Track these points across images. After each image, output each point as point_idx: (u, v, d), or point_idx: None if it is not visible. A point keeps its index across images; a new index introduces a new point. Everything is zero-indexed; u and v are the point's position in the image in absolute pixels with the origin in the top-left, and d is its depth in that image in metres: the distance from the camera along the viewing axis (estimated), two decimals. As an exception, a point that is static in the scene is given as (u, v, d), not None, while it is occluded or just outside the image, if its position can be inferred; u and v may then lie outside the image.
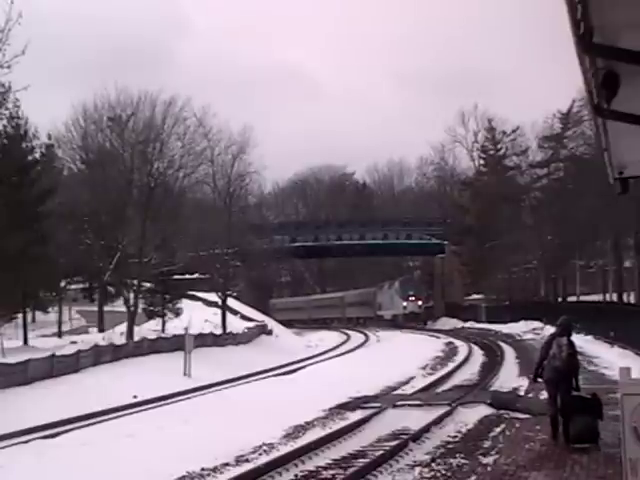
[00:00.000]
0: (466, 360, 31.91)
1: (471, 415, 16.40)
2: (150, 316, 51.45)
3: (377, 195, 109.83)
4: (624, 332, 29.66)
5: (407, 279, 79.60)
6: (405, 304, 72.95)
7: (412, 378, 25.82)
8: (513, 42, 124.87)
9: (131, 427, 16.64)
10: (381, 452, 12.84)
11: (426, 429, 14.68)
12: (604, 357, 27.31)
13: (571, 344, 12.57)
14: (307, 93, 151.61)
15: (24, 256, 36.94)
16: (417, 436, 14.04)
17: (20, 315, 43.30)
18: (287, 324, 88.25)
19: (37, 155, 44.74)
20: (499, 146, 71.93)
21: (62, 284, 50.48)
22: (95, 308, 54.04)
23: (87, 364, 31.21)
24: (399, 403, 18.29)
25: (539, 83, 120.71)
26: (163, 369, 32.22)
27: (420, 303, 74.04)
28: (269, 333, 58.91)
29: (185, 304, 53.29)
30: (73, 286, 55.85)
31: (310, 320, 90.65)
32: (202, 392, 26.74)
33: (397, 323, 72.25)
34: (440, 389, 22.69)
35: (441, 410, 16.72)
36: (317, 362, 39.09)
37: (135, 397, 25.23)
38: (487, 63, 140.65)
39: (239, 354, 44.07)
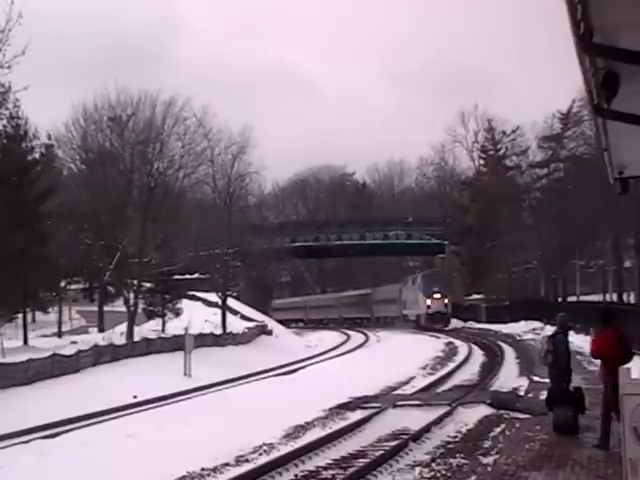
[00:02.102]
0: (466, 360, 31.90)
1: (471, 415, 16.40)
2: (150, 316, 51.44)
3: (377, 195, 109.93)
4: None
5: (431, 273, 69.89)
6: (429, 302, 63.45)
7: (412, 378, 25.81)
8: (513, 42, 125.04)
9: (131, 427, 16.63)
10: (381, 452, 12.84)
11: (426, 429, 14.68)
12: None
13: (552, 341, 13.12)
14: (306, 93, 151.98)
15: (24, 256, 36.94)
16: (417, 436, 14.03)
17: (20, 315, 43.28)
18: (319, 323, 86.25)
19: (37, 155, 44.78)
20: (499, 146, 71.98)
21: (62, 284, 50.49)
22: (95, 308, 54.06)
23: (87, 364, 31.21)
24: (399, 403, 18.28)
25: (539, 83, 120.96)
26: (163, 369, 32.22)
27: (446, 301, 64.07)
28: (269, 333, 58.94)
29: (185, 304, 53.29)
30: (73, 286, 55.86)
31: (341, 319, 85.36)
32: (202, 392, 26.73)
33: (419, 325, 63.92)
34: (440, 389, 22.68)
35: (441, 410, 16.72)
36: (317, 362, 39.08)
37: (135, 397, 25.23)
38: (487, 63, 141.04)
39: (239, 354, 44.08)
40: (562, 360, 12.97)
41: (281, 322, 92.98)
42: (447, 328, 59.74)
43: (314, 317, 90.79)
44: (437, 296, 63.39)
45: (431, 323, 61.49)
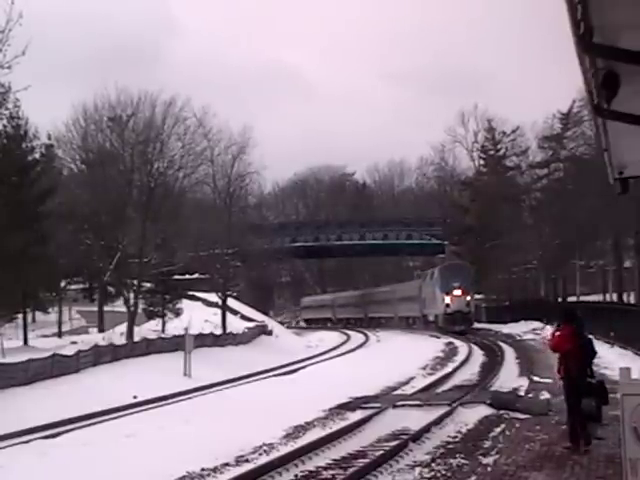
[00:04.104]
0: (466, 360, 31.90)
1: (471, 415, 16.39)
2: (150, 316, 51.45)
3: (377, 195, 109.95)
4: (624, 332, 29.65)
5: (450, 265, 60.86)
6: (447, 300, 55.50)
7: (412, 378, 25.82)
8: (513, 42, 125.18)
9: (131, 427, 16.64)
10: (381, 452, 12.84)
11: (426, 429, 14.67)
12: (604, 357, 27.28)
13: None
14: (305, 94, 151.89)
15: (24, 256, 36.93)
16: (417, 436, 14.03)
17: (20, 315, 43.28)
18: (346, 323, 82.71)
19: (37, 155, 44.77)
20: (499, 146, 71.92)
21: (62, 284, 50.48)
22: (95, 308, 54.06)
23: (87, 364, 31.20)
24: (399, 403, 18.28)
25: (539, 83, 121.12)
26: (163, 369, 32.21)
27: (468, 298, 56.02)
28: (269, 333, 58.92)
29: (185, 304, 53.30)
30: (73, 286, 55.86)
31: (367, 319, 79.82)
32: (202, 392, 26.74)
33: (438, 326, 56.17)
34: (440, 389, 22.67)
35: (441, 410, 16.71)
36: (317, 362, 39.11)
37: (135, 397, 25.21)
38: (487, 63, 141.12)
39: (239, 354, 44.07)
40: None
41: (310, 322, 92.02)
42: (460, 329, 52.14)
43: (342, 316, 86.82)
44: (457, 293, 55.81)
45: (450, 324, 53.85)
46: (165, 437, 15.12)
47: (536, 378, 23.31)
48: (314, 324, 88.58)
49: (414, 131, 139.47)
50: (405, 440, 13.67)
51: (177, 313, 51.35)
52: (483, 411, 16.82)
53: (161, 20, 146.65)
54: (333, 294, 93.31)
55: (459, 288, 55.92)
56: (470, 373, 27.17)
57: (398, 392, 22.23)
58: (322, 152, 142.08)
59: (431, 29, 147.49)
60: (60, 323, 54.36)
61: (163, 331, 48.28)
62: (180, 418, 17.47)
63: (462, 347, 39.33)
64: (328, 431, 15.10)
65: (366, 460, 12.37)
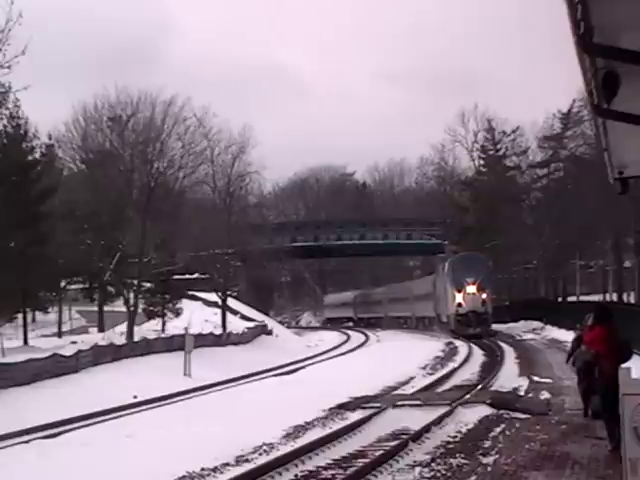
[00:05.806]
0: (466, 360, 31.89)
1: (471, 415, 16.38)
2: (150, 316, 51.43)
3: (377, 195, 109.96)
4: (624, 332, 29.62)
5: (462, 257, 52.45)
6: (459, 299, 48.19)
7: (412, 378, 25.80)
8: (513, 42, 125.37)
9: (131, 427, 16.63)
10: (381, 452, 12.83)
11: (426, 429, 14.66)
12: (604, 357, 27.24)
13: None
14: (306, 93, 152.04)
15: (24, 256, 36.91)
16: (417, 436, 14.01)
17: (20, 315, 43.24)
18: (369, 324, 79.30)
19: (37, 155, 44.67)
20: (499, 146, 71.89)
21: (62, 284, 50.44)
22: (95, 308, 54.02)
23: (87, 364, 31.18)
24: (399, 403, 18.27)
25: (539, 83, 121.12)
26: (163, 369, 32.22)
27: (484, 296, 48.38)
28: (269, 333, 58.93)
29: (185, 304, 53.29)
30: (73, 286, 55.76)
31: (387, 318, 74.54)
32: (202, 392, 26.73)
33: (450, 329, 49.38)
34: (440, 389, 22.66)
35: (441, 410, 16.70)
36: (317, 362, 39.10)
37: (135, 397, 25.20)
38: (487, 63, 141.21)
39: (239, 354, 44.08)
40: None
41: (332, 321, 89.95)
42: (476, 331, 45.68)
43: (363, 315, 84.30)
44: (470, 289, 48.25)
45: (464, 327, 47.07)
46: (165, 437, 15.11)
47: (536, 378, 23.31)
48: (338, 324, 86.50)
49: (414, 131, 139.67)
50: (405, 440, 13.65)
51: (177, 313, 51.34)
52: (483, 411, 16.81)
53: (160, 21, 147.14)
54: (354, 291, 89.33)
55: (473, 284, 48.44)
56: (470, 373, 27.15)
57: (398, 392, 22.21)
58: (322, 152, 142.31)
59: (429, 28, 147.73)
60: (60, 323, 54.30)
61: (163, 331, 48.24)
62: (180, 418, 17.47)
63: (462, 347, 39.31)
64: (328, 431, 15.08)
65: (366, 460, 12.36)
